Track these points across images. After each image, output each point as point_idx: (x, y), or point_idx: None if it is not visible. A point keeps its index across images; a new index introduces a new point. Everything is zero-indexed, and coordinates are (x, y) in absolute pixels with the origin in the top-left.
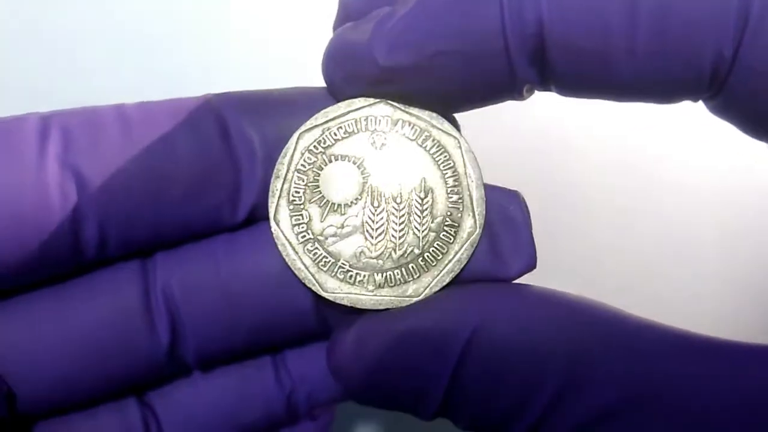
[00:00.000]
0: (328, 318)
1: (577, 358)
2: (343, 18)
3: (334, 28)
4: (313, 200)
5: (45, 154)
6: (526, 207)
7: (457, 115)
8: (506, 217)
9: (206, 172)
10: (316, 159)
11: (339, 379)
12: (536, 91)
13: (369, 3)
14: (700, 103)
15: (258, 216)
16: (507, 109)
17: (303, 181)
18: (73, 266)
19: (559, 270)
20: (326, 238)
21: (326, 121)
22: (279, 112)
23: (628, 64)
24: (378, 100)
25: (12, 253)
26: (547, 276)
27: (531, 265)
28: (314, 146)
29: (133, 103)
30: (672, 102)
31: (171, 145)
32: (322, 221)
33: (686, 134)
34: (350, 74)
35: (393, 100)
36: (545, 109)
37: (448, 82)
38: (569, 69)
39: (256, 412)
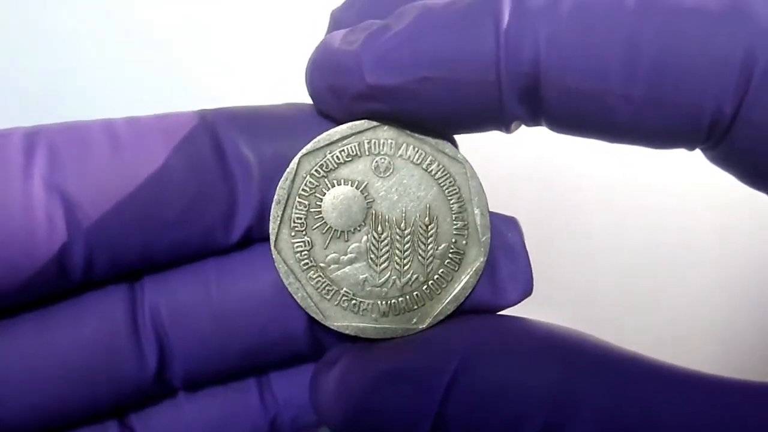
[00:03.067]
0: (323, 343)
1: (560, 395)
2: (335, 29)
3: None
4: (315, 227)
5: (30, 173)
6: (523, 234)
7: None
8: (505, 244)
9: (200, 193)
10: (318, 183)
11: (321, 417)
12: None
13: (360, 18)
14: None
15: (252, 237)
16: (486, 139)
17: (305, 206)
18: (59, 289)
19: (555, 287)
20: (329, 266)
21: (328, 144)
22: (277, 131)
23: (623, 110)
24: (381, 122)
25: None
26: (542, 297)
27: (527, 293)
28: (316, 170)
29: (123, 118)
30: (666, 149)
31: (163, 166)
32: (324, 248)
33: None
34: (335, 86)
35: (377, 118)
36: (539, 132)
37: (434, 108)
38: (562, 109)
39: None
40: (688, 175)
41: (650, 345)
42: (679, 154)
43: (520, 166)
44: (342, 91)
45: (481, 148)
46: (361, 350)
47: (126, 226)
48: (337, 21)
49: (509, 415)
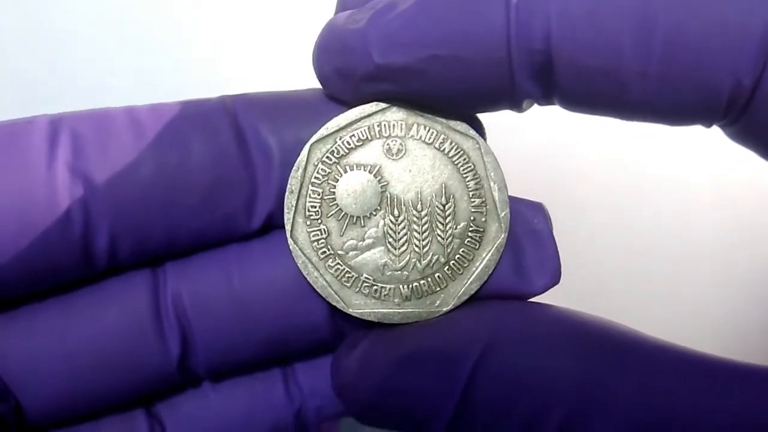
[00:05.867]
0: (344, 330)
1: (587, 382)
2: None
3: None
4: (330, 214)
5: (54, 160)
6: (550, 220)
7: None
8: (531, 231)
9: (221, 179)
10: (330, 170)
11: (343, 399)
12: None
13: None
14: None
15: (273, 224)
16: (513, 122)
17: (318, 194)
18: (82, 275)
19: (565, 280)
20: (347, 253)
21: (338, 130)
22: (296, 116)
23: (638, 85)
24: (390, 104)
25: (20, 261)
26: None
27: (555, 281)
28: (327, 157)
29: (145, 105)
30: (682, 125)
31: (185, 151)
32: (341, 235)
33: (686, 139)
34: (342, 68)
35: (387, 99)
36: (546, 121)
37: (444, 87)
38: (575, 86)
39: (264, 426)
40: (694, 170)
41: None
42: (686, 147)
43: (524, 162)
44: (350, 73)
45: (492, 136)
46: (383, 332)
47: (149, 212)
48: (344, 3)
49: (535, 402)
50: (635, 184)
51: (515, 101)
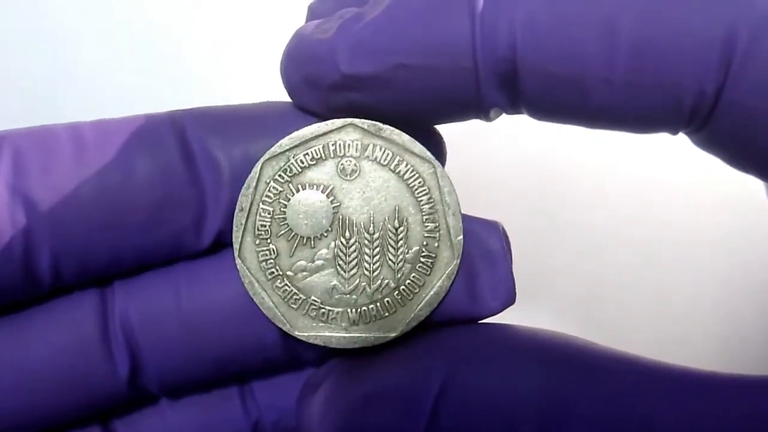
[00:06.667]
0: (298, 351)
1: (550, 402)
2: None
3: None
4: (280, 234)
5: None
6: (507, 239)
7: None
8: (484, 251)
9: (168, 197)
10: (282, 189)
11: None
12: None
13: (337, 10)
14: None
15: (223, 241)
16: (486, 133)
17: (269, 213)
18: (27, 296)
19: (558, 285)
20: (296, 274)
21: (292, 147)
22: (248, 131)
23: (603, 94)
24: (346, 123)
25: None
26: (545, 295)
27: (509, 302)
28: (279, 175)
29: (90, 121)
30: (649, 132)
31: (129, 169)
32: (290, 256)
33: (678, 141)
34: (310, 77)
35: (355, 110)
36: (527, 128)
37: (411, 97)
38: (542, 95)
39: None
40: (691, 171)
41: (653, 342)
42: (683, 149)
43: (523, 162)
44: (317, 82)
45: (487, 141)
46: (344, 371)
47: (92, 232)
48: (314, 14)
49: (500, 425)
50: (633, 186)
51: (482, 110)
